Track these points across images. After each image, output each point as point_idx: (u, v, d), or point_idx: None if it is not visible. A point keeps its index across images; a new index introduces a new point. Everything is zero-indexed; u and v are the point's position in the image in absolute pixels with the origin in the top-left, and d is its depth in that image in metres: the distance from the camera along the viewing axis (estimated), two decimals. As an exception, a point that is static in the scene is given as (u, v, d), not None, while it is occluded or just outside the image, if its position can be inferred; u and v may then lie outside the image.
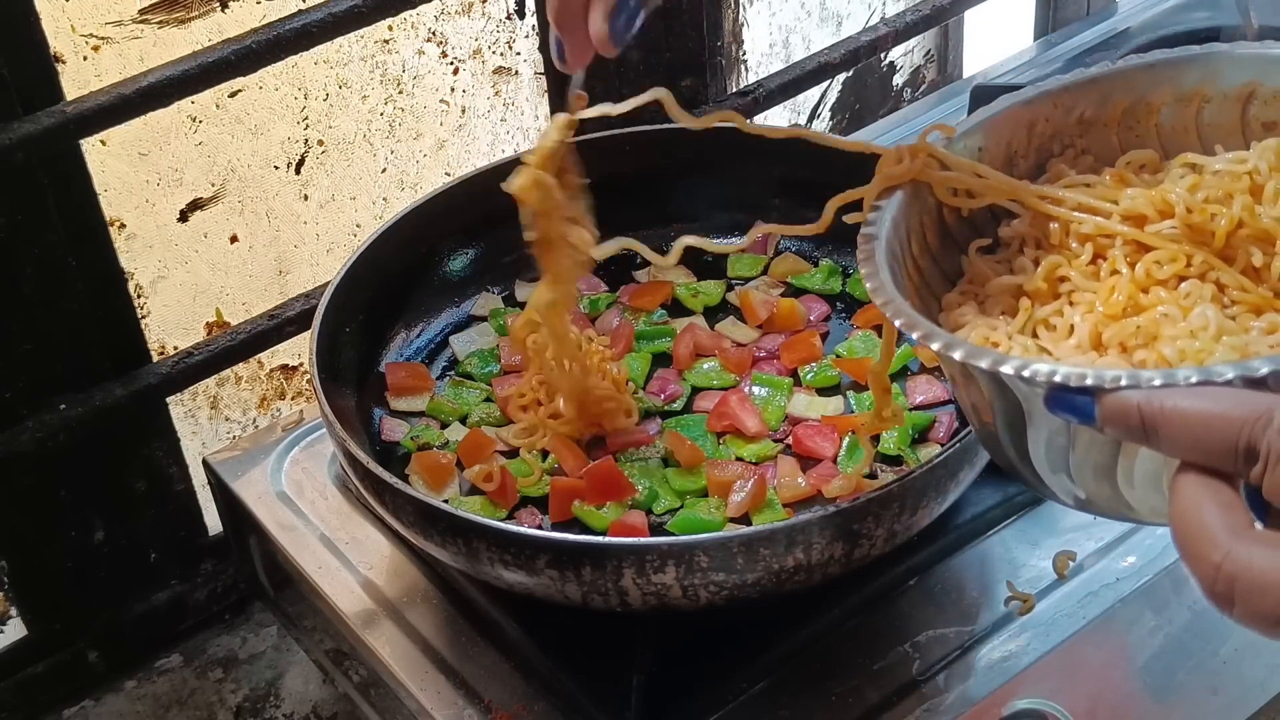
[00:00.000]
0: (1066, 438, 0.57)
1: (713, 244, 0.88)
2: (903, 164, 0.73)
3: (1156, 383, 0.51)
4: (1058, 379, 0.54)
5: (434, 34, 1.32)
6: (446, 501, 0.95)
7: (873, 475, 0.95)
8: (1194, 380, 0.50)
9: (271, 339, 1.13)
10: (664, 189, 1.17)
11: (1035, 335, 0.68)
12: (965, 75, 1.79)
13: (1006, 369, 0.56)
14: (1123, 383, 0.51)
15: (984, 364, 0.58)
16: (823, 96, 1.80)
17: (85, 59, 1.11)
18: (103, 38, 1.12)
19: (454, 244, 1.14)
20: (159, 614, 1.15)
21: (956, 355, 0.59)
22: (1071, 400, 0.54)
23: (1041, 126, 0.77)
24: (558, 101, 1.29)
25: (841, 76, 1.79)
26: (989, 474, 0.88)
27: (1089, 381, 0.53)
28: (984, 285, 0.73)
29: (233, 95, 1.20)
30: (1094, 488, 0.58)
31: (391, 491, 0.85)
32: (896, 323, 0.64)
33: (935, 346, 0.61)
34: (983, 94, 1.41)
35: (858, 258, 0.70)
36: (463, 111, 1.37)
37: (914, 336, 0.63)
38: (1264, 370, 0.49)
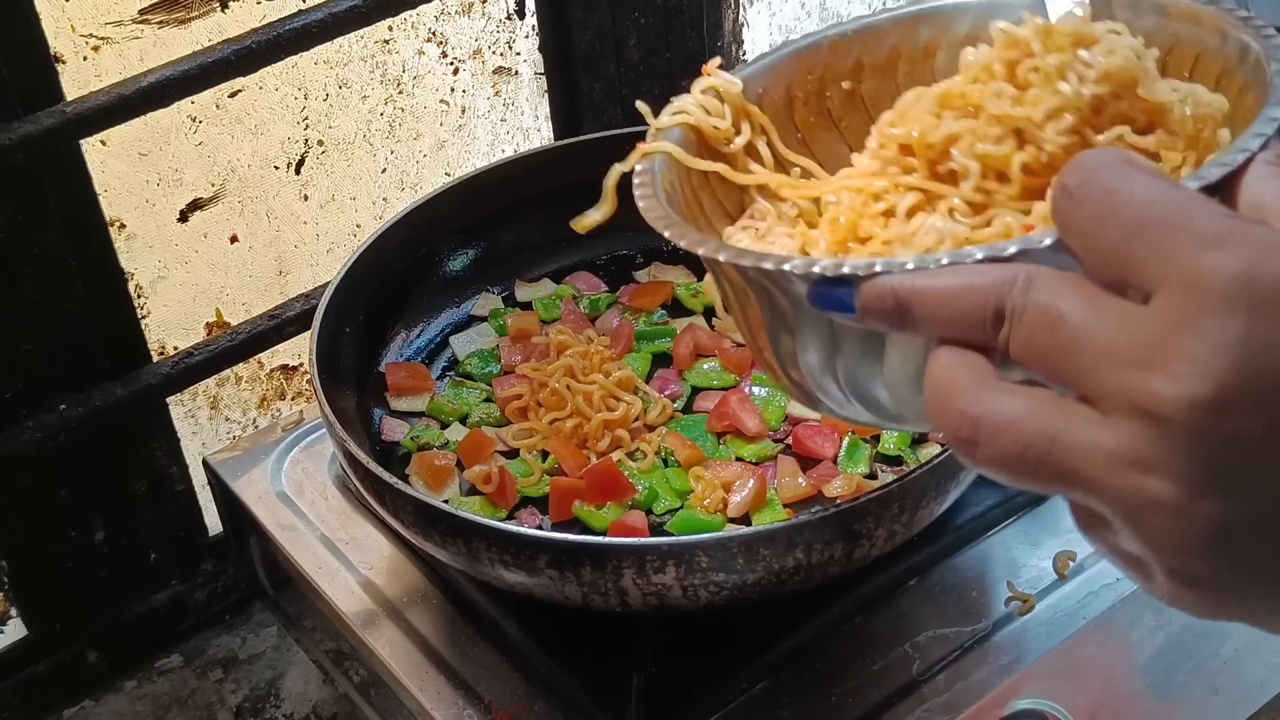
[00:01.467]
0: (832, 343, 0.58)
1: None
2: (653, 147, 0.73)
3: (909, 266, 0.51)
4: (816, 270, 0.54)
5: (434, 34, 1.32)
6: (446, 502, 0.95)
7: (873, 475, 0.96)
8: (945, 261, 0.51)
9: (271, 339, 1.13)
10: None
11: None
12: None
13: (767, 265, 0.57)
14: (877, 269, 0.52)
15: (747, 263, 0.58)
16: (823, 96, 1.79)
17: (85, 59, 1.11)
18: (103, 38, 1.11)
19: (454, 244, 1.14)
20: (159, 614, 1.15)
21: (721, 256, 0.59)
22: (832, 293, 0.54)
23: (821, 71, 0.78)
24: (558, 101, 1.29)
25: (841, 76, 1.79)
26: (989, 474, 0.88)
27: (846, 270, 0.53)
28: (765, 219, 0.74)
29: (233, 95, 1.20)
30: (863, 395, 0.59)
31: (391, 492, 0.85)
32: (666, 233, 0.64)
33: (701, 251, 0.61)
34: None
35: (634, 184, 0.70)
36: (463, 111, 1.37)
37: (682, 243, 0.63)
38: (1011, 249, 0.50)
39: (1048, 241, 0.50)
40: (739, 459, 0.97)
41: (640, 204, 0.68)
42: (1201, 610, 0.47)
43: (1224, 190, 0.51)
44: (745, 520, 0.93)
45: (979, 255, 0.50)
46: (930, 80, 0.75)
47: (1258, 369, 0.42)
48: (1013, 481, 0.47)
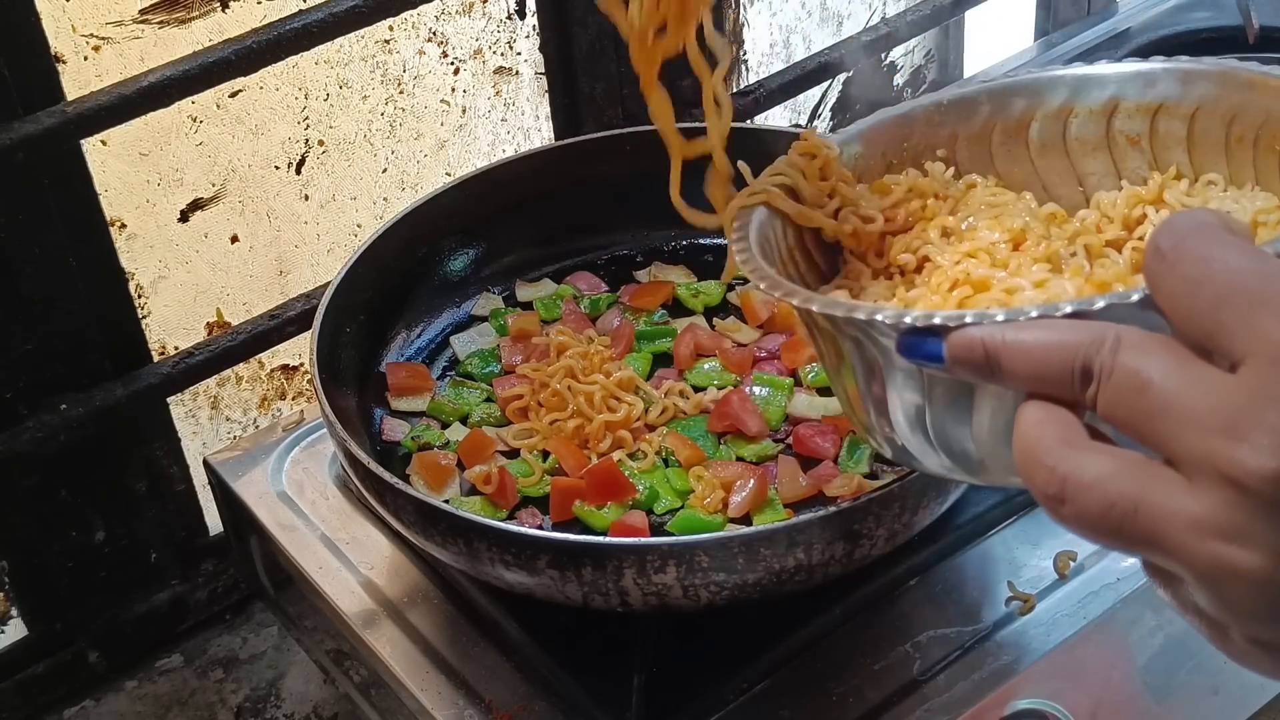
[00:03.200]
0: (922, 394, 0.58)
1: None
2: (755, 195, 0.76)
3: (999, 318, 0.52)
4: (907, 320, 0.55)
5: (434, 34, 1.32)
6: (447, 501, 0.94)
7: (873, 475, 0.95)
8: (1034, 315, 0.52)
9: (272, 339, 1.13)
10: (664, 188, 1.17)
11: None
12: (966, 75, 1.80)
13: (859, 315, 0.58)
14: (967, 320, 0.53)
15: (839, 313, 0.59)
16: (823, 96, 1.80)
17: (86, 59, 1.11)
18: (103, 38, 1.12)
19: (454, 244, 1.14)
20: (159, 614, 1.15)
21: (814, 308, 0.61)
22: (921, 343, 0.55)
23: (916, 139, 0.80)
24: (558, 101, 1.29)
25: (842, 76, 1.79)
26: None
27: (936, 321, 0.54)
28: (859, 280, 0.75)
29: (233, 95, 1.20)
30: (951, 447, 0.60)
31: (392, 492, 0.85)
32: (761, 285, 0.67)
33: (795, 302, 0.63)
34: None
35: (732, 240, 0.72)
36: (463, 111, 1.37)
37: (776, 295, 0.65)
38: (1099, 304, 0.51)
39: (1135, 298, 0.51)
40: (740, 459, 0.97)
41: (738, 259, 0.70)
42: (1278, 674, 0.48)
43: None
44: (746, 520, 0.93)
45: (1068, 309, 0.51)
46: (1025, 149, 0.79)
47: None
48: (1096, 540, 0.48)
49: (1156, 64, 0.74)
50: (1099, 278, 0.65)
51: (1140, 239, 0.72)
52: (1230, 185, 0.72)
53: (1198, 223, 0.48)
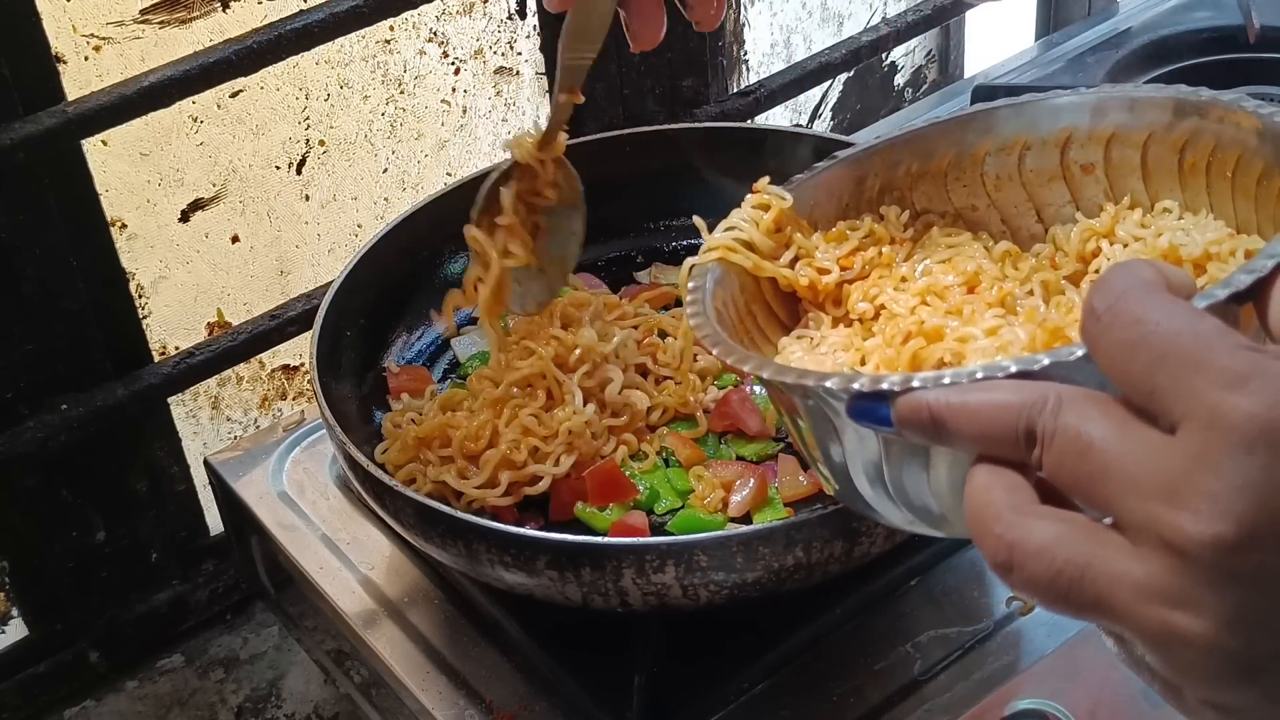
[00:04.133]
0: (878, 453, 0.59)
1: None
2: (709, 253, 0.77)
3: (945, 381, 0.53)
4: (854, 387, 0.56)
5: (435, 34, 1.32)
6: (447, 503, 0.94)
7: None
8: (979, 376, 0.52)
9: (273, 339, 1.13)
10: (664, 189, 1.17)
11: (863, 364, 0.72)
12: (967, 75, 1.80)
13: (808, 382, 0.58)
14: (914, 384, 0.53)
15: (789, 379, 0.60)
16: (824, 97, 1.80)
17: (86, 59, 1.11)
18: (104, 38, 1.12)
19: (456, 246, 1.14)
20: (160, 614, 1.15)
21: (765, 374, 0.62)
22: (871, 409, 0.55)
23: (871, 181, 0.81)
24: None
25: (843, 77, 1.79)
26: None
27: (883, 386, 0.54)
28: (819, 329, 0.77)
29: (234, 95, 1.20)
30: (912, 502, 0.60)
31: (391, 494, 0.85)
32: (714, 351, 0.67)
33: (746, 368, 0.64)
34: (984, 94, 1.41)
35: (686, 302, 0.73)
36: (464, 112, 1.37)
37: (728, 361, 0.66)
38: (1045, 362, 0.51)
39: (1078, 354, 0.51)
40: (740, 458, 0.97)
41: (690, 322, 0.71)
42: None
43: (1255, 296, 0.52)
44: (746, 519, 0.93)
45: (1012, 369, 0.51)
46: (981, 183, 0.79)
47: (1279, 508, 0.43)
48: (1048, 606, 0.48)
49: (1106, 93, 0.75)
50: (1052, 322, 0.65)
51: (1097, 272, 0.72)
52: (1186, 212, 0.72)
53: (1133, 281, 0.48)
